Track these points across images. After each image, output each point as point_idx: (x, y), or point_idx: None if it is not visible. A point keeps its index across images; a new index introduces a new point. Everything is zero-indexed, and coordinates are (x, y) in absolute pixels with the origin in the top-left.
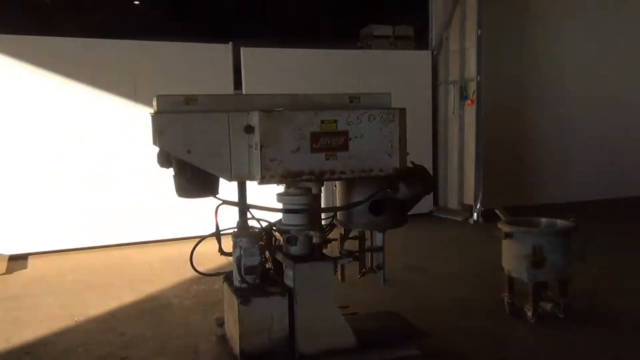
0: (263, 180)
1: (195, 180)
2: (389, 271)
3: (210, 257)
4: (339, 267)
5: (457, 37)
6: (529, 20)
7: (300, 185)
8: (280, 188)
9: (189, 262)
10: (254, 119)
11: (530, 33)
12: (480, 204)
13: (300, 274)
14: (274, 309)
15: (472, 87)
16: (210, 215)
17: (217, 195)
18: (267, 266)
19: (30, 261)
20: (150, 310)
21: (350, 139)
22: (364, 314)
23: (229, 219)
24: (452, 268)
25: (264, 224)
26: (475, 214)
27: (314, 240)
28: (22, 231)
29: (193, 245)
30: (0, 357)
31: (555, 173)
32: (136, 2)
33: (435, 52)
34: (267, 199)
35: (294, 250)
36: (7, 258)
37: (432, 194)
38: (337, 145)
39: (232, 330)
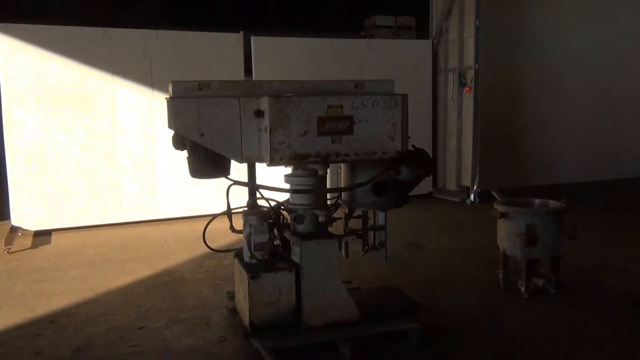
0: (272, 162)
1: (207, 162)
2: (390, 249)
3: (221, 235)
4: (343, 244)
5: (456, 27)
6: (526, 10)
7: (307, 167)
8: (288, 169)
9: (201, 239)
10: (264, 103)
11: (526, 23)
12: (477, 186)
13: (306, 250)
14: (281, 283)
15: (470, 74)
16: (220, 196)
17: (228, 176)
18: (276, 243)
19: (54, 237)
20: (165, 284)
21: (355, 123)
22: (366, 289)
23: (240, 198)
24: (450, 246)
25: (273, 204)
26: (472, 195)
27: (320, 219)
28: (46, 209)
29: (205, 223)
30: (27, 325)
31: (549, 156)
32: None
33: (435, 41)
34: (275, 180)
35: (301, 228)
36: (32, 234)
37: (431, 175)
38: (342, 129)
39: (242, 303)
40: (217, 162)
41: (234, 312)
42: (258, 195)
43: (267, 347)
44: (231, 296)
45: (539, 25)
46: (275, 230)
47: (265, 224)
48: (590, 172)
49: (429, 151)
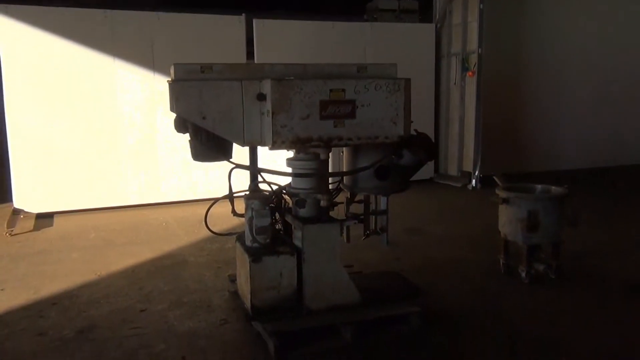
0: (274, 146)
1: (209, 145)
2: (391, 233)
3: (223, 218)
4: (344, 228)
5: (460, 11)
6: None
7: (309, 150)
8: (290, 153)
9: (203, 223)
10: (266, 87)
11: (530, 8)
12: (479, 171)
13: (308, 234)
14: (283, 267)
15: (474, 59)
16: (222, 179)
17: (230, 160)
18: (277, 227)
19: (56, 220)
20: (167, 267)
21: (357, 107)
22: (368, 273)
23: (242, 182)
24: (451, 231)
25: (275, 187)
26: (473, 181)
27: (322, 203)
28: (49, 192)
29: (207, 207)
30: (30, 307)
31: (551, 142)
32: None
33: (438, 25)
34: (277, 164)
35: (303, 212)
36: (34, 216)
37: (433, 161)
38: (344, 113)
39: (244, 286)
40: (219, 145)
41: (235, 295)
42: (260, 179)
43: (268, 330)
44: (233, 279)
45: (543, 11)
46: (276, 214)
47: (267, 208)
48: (592, 158)
49: (432, 136)
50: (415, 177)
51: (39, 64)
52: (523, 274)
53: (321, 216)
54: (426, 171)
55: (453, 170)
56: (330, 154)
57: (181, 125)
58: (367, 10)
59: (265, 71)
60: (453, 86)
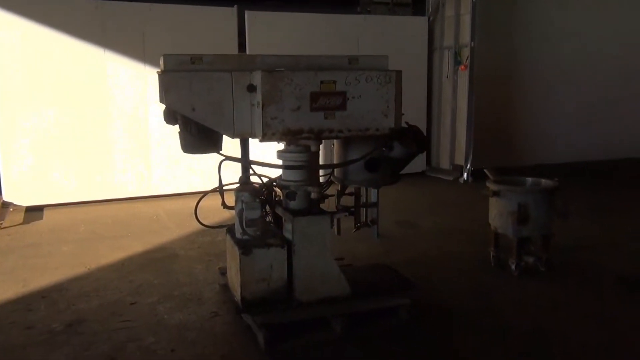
0: (264, 138)
1: (199, 137)
2: (382, 226)
3: (214, 211)
4: (335, 221)
5: (452, 3)
6: None
7: (299, 143)
8: (281, 145)
9: (193, 216)
10: (257, 78)
11: (523, 1)
12: (470, 164)
13: (298, 227)
14: (273, 259)
15: (466, 52)
16: (212, 172)
17: (220, 152)
18: (268, 219)
19: (46, 212)
20: (157, 260)
21: (348, 99)
22: (358, 266)
23: (232, 174)
24: (442, 224)
25: (265, 180)
26: (465, 174)
27: (312, 195)
28: (38, 184)
29: (197, 200)
30: (19, 300)
31: (541, 136)
32: None
33: (431, 18)
34: (268, 156)
35: (293, 204)
36: (24, 209)
37: (424, 153)
38: (335, 105)
39: (234, 279)
40: (209, 137)
41: (225, 288)
42: (250, 171)
43: (258, 322)
44: (223, 272)
45: (536, 4)
46: (267, 206)
47: (257, 200)
48: (582, 152)
49: (423, 128)
50: (407, 170)
51: (28, 55)
52: (513, 267)
53: (312, 208)
54: (418, 164)
55: (445, 164)
56: (321, 146)
57: (171, 116)
58: (361, 3)
59: (257, 62)
60: (445, 79)
